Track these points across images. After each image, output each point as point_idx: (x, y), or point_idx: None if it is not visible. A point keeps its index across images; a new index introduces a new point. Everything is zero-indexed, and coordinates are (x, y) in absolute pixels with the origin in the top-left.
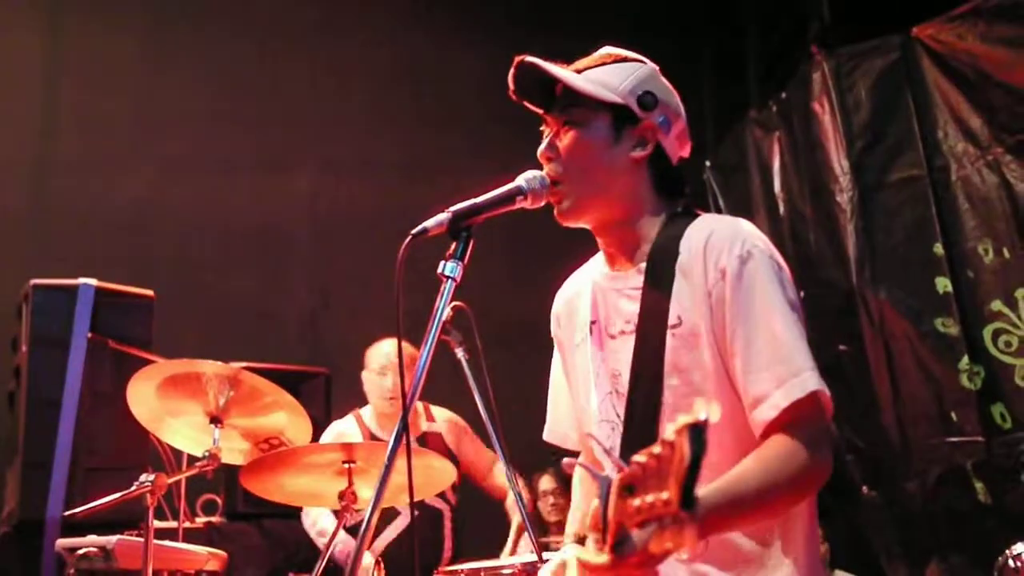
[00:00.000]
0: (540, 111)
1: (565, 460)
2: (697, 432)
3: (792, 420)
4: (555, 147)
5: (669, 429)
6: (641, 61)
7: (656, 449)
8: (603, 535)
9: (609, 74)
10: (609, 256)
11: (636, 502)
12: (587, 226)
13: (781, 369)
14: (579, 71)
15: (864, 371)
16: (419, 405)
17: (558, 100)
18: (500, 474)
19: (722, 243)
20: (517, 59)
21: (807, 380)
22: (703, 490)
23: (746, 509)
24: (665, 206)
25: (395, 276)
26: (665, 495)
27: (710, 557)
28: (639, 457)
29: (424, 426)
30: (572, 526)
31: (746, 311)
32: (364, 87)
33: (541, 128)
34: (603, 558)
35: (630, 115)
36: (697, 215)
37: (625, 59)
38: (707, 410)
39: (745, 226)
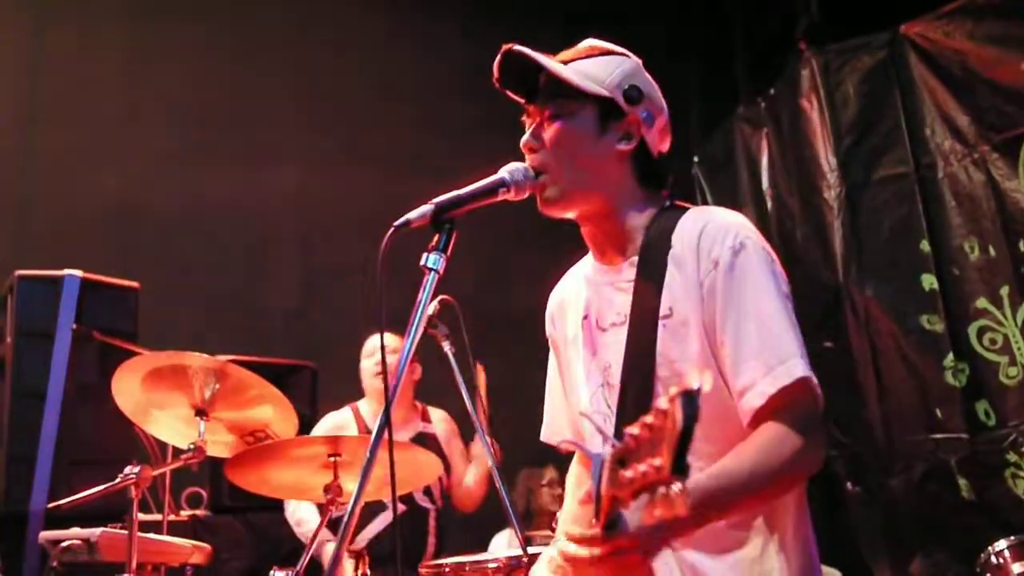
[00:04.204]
0: (522, 101)
1: (561, 441)
2: (689, 399)
3: (780, 407)
4: (539, 137)
5: (662, 398)
6: (625, 55)
7: (649, 419)
8: (596, 512)
9: (596, 66)
10: (597, 249)
11: (629, 473)
12: (571, 216)
13: (768, 357)
14: (564, 62)
15: (849, 367)
16: (416, 404)
17: (542, 90)
18: (468, 482)
19: (715, 234)
20: (505, 47)
21: (794, 367)
22: (693, 478)
23: (738, 494)
24: (651, 199)
25: (378, 269)
26: (658, 461)
27: (698, 545)
28: (632, 429)
29: (420, 426)
30: (563, 524)
31: (737, 301)
32: (348, 81)
33: (522, 119)
34: (594, 533)
35: (616, 108)
36: (687, 208)
37: (610, 52)
38: (700, 379)
39: (738, 218)
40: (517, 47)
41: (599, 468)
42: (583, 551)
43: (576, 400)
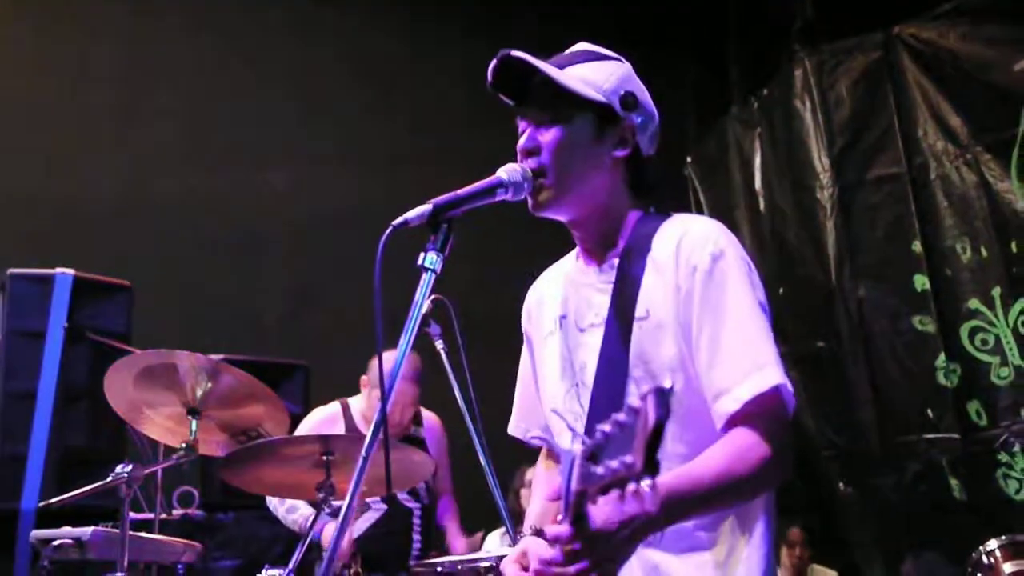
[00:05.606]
0: (515, 103)
1: (531, 436)
2: (662, 397)
3: (753, 413)
4: (536, 141)
5: (634, 396)
6: (619, 59)
7: (621, 416)
8: (564, 508)
9: (593, 72)
10: (585, 251)
11: (599, 469)
12: (562, 220)
13: (745, 363)
14: (560, 67)
15: (842, 367)
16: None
17: (539, 95)
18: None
19: (695, 240)
20: (502, 52)
21: (769, 374)
22: (662, 476)
23: (705, 496)
24: (639, 204)
25: (375, 269)
26: (629, 458)
27: (663, 544)
28: (604, 426)
29: (412, 429)
30: (530, 519)
31: (715, 307)
32: (344, 82)
33: (518, 122)
34: (562, 528)
35: (612, 114)
36: (670, 215)
37: (605, 57)
38: (672, 379)
39: (717, 226)
40: (516, 52)
41: (570, 465)
42: (553, 551)
43: (548, 397)
